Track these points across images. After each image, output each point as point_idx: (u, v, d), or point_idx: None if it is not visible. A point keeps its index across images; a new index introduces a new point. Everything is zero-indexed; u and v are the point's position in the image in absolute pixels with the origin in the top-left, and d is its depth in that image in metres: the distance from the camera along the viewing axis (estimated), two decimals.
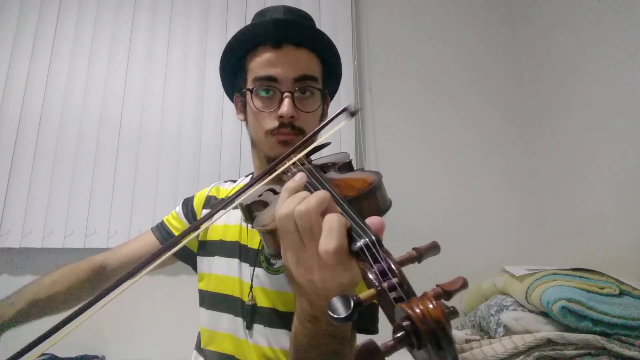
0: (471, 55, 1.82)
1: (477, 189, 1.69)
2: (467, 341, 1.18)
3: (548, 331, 1.00)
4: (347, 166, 0.60)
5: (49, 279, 0.77)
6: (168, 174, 1.55)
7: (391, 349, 0.24)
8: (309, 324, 0.44)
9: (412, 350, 0.24)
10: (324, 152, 0.72)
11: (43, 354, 0.47)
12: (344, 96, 1.65)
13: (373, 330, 0.61)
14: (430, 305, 0.24)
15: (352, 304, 0.26)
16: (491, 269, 1.38)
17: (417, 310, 0.24)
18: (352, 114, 0.54)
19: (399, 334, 0.24)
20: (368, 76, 1.77)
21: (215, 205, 0.84)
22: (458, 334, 1.21)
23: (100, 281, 0.81)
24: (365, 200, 0.42)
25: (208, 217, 0.49)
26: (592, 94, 1.44)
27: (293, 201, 0.37)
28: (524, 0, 1.85)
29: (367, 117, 1.73)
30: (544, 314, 1.04)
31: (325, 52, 0.73)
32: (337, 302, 0.27)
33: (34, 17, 1.61)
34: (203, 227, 0.78)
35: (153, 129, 1.59)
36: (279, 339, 0.67)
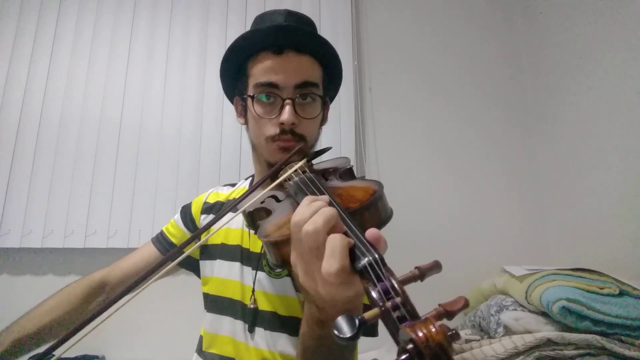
0: (471, 55, 1.82)
1: (477, 189, 1.69)
2: (467, 341, 1.18)
3: (548, 331, 1.00)
4: (348, 173, 0.60)
5: (42, 309, 0.74)
6: (168, 174, 1.55)
7: None
8: (316, 327, 0.45)
9: None
10: (324, 157, 0.72)
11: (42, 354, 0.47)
12: (344, 96, 1.65)
13: (373, 333, 0.61)
14: (433, 329, 0.24)
15: (357, 324, 0.27)
16: (491, 269, 1.38)
17: (421, 335, 0.24)
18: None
19: (403, 357, 0.24)
20: (368, 76, 1.76)
21: (217, 209, 0.84)
22: None
23: (102, 296, 0.80)
24: (367, 211, 0.42)
25: (209, 226, 0.49)
26: (592, 93, 1.44)
27: (308, 210, 0.38)
28: (524, 0, 1.85)
29: (367, 117, 1.73)
30: (544, 314, 1.04)
31: (326, 57, 0.73)
32: (342, 322, 0.27)
33: (34, 17, 1.61)
34: (204, 238, 0.78)
35: (153, 129, 1.59)
36: (278, 343, 0.67)
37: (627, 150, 1.29)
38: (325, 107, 0.75)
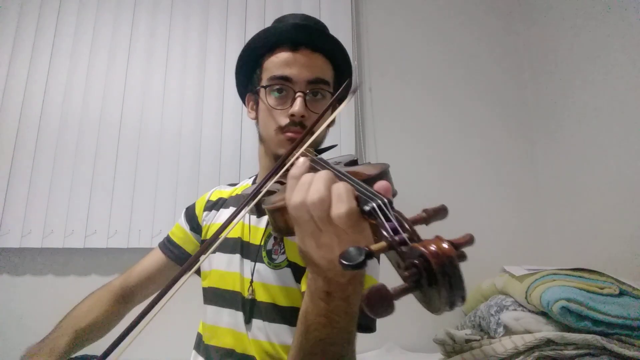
0: (471, 56, 1.82)
1: (477, 189, 1.69)
2: (467, 341, 1.18)
3: (548, 331, 1.00)
4: (353, 163, 0.63)
5: (81, 310, 0.81)
6: (168, 174, 1.55)
7: (402, 291, 0.24)
8: (321, 301, 0.45)
9: (421, 291, 0.24)
10: (328, 155, 0.73)
11: None
12: None
13: (371, 328, 0.62)
14: (444, 245, 0.24)
15: (364, 253, 0.27)
16: (491, 269, 1.38)
17: (431, 247, 0.24)
18: (353, 91, 0.55)
19: (410, 271, 0.24)
20: (368, 76, 1.77)
21: (220, 205, 0.86)
22: (458, 333, 1.21)
23: (127, 302, 0.86)
24: (372, 183, 0.43)
25: (224, 227, 0.50)
26: (591, 95, 1.44)
27: (302, 189, 0.38)
28: (524, 2, 1.85)
29: (367, 117, 1.73)
30: (544, 314, 1.04)
31: (339, 59, 0.76)
32: (350, 251, 0.27)
33: (34, 17, 1.61)
34: (222, 235, 0.80)
35: (153, 129, 1.58)
36: (278, 334, 0.67)
37: (627, 150, 1.29)
38: (334, 108, 0.77)
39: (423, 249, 0.24)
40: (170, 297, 0.45)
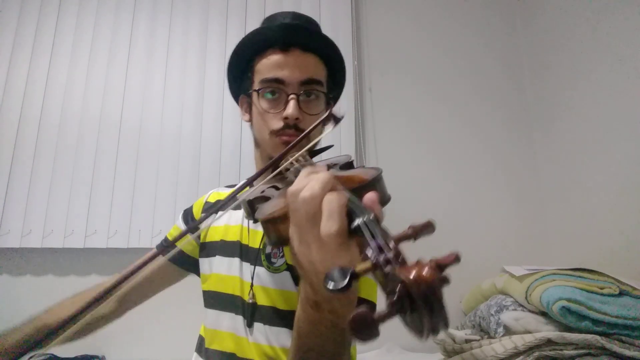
0: (471, 56, 1.82)
1: (477, 189, 1.69)
2: (467, 341, 1.18)
3: (548, 331, 1.00)
4: (348, 165, 0.62)
5: (58, 308, 0.79)
6: (168, 174, 1.55)
7: (385, 317, 0.24)
8: (311, 309, 0.44)
9: (404, 316, 0.24)
10: (326, 156, 0.73)
11: (43, 354, 0.47)
12: (344, 96, 1.63)
13: None
14: (424, 270, 0.24)
15: (348, 275, 0.26)
16: (491, 269, 1.38)
17: (411, 274, 0.24)
18: (337, 121, 0.55)
19: (392, 298, 0.24)
20: (368, 76, 1.77)
21: (215, 204, 0.85)
22: (458, 333, 1.21)
23: (123, 303, 0.85)
24: (364, 191, 0.42)
25: (207, 216, 0.50)
26: (592, 95, 1.44)
27: (305, 180, 0.39)
28: (524, 3, 1.85)
29: (367, 117, 1.73)
30: (544, 314, 1.04)
31: (331, 57, 0.75)
32: (334, 273, 0.27)
33: (34, 17, 1.61)
34: (203, 225, 0.79)
35: (153, 129, 1.59)
36: (279, 337, 0.67)
37: (627, 150, 1.29)
38: (329, 108, 0.76)
39: (403, 276, 0.24)
40: (138, 276, 0.44)
